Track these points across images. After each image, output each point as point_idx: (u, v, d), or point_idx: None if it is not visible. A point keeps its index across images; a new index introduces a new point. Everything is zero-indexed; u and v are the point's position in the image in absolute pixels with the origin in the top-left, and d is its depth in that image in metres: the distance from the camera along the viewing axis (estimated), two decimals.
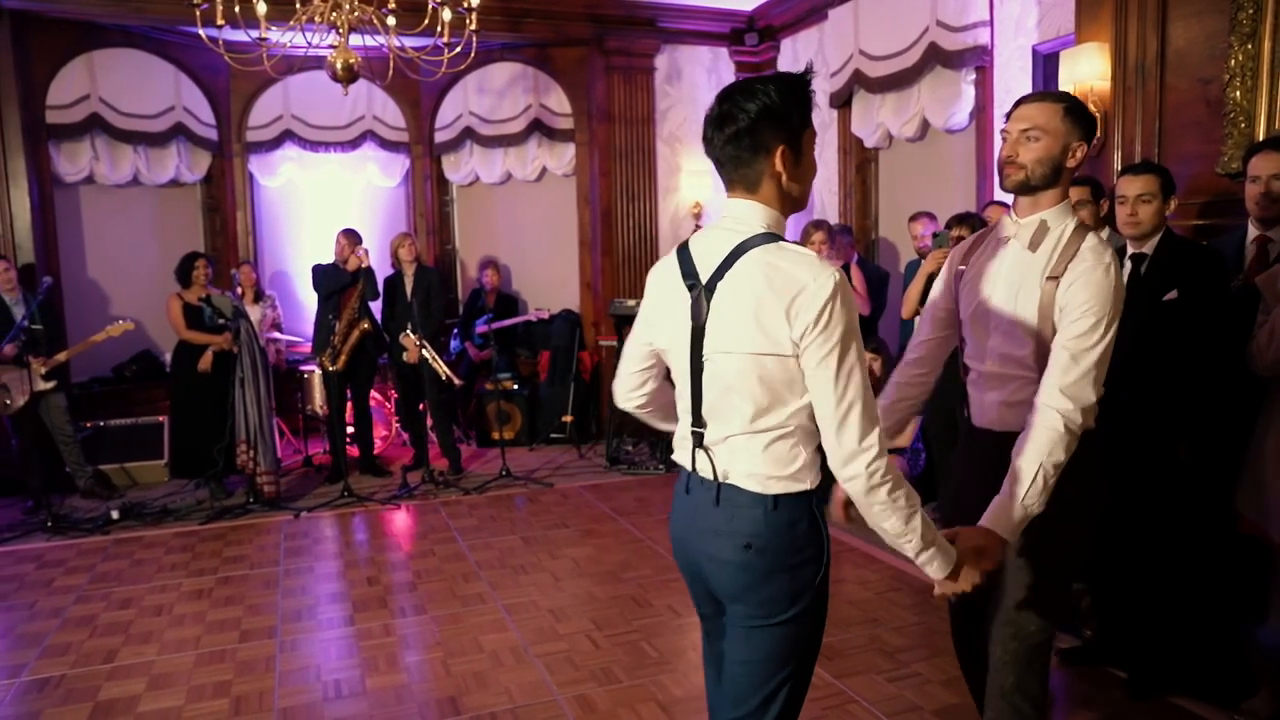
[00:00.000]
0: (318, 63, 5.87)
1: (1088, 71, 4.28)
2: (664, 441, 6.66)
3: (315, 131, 7.74)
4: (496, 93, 7.94)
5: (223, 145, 7.61)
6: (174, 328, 5.99)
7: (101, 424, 6.51)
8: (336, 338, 6.17)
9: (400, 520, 5.58)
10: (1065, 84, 4.49)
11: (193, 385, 5.93)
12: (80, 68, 6.81)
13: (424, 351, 6.11)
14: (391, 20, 4.96)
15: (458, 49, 5.09)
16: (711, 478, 1.78)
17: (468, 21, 5.05)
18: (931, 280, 4.33)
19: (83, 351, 6.03)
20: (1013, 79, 5.29)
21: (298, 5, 4.89)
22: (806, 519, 1.73)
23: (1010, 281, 2.12)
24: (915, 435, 5.21)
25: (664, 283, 1.86)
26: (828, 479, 1.76)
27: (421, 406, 6.62)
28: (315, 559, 4.87)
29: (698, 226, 7.66)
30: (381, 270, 6.63)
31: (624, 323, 6.73)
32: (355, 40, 5.09)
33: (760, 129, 1.66)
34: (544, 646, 3.68)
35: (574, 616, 3.98)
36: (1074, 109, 2.06)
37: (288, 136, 7.70)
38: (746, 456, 1.73)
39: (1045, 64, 5.03)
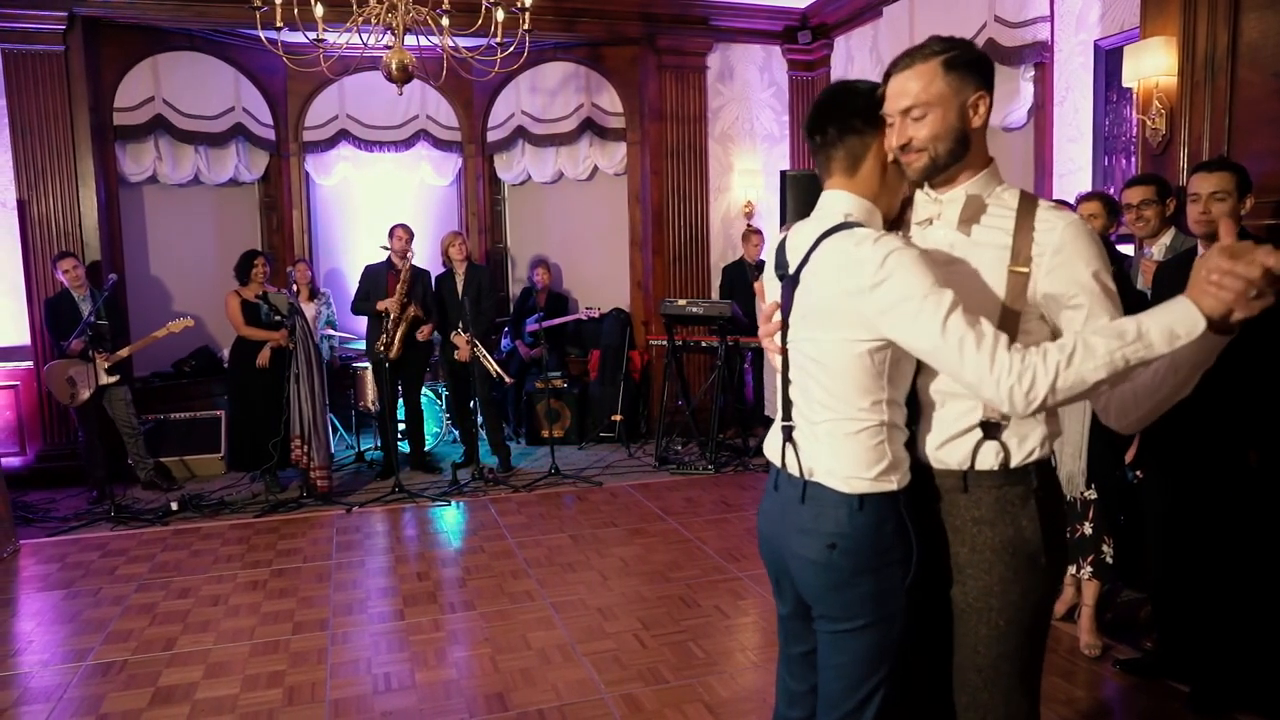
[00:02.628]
0: (373, 63, 5.95)
1: (1153, 67, 4.16)
2: (713, 442, 6.63)
3: (370, 131, 7.85)
4: (549, 92, 7.98)
5: (280, 145, 7.75)
6: (232, 324, 6.11)
7: (162, 418, 6.68)
8: (387, 324, 6.22)
9: (450, 517, 5.63)
10: (1130, 80, 4.38)
11: (250, 381, 6.05)
12: (145, 71, 6.99)
13: (475, 350, 6.16)
14: (445, 21, 5.00)
15: (511, 49, 5.12)
16: (798, 474, 1.74)
17: (521, 21, 5.08)
18: None
19: (145, 347, 6.18)
20: (1073, 75, 5.17)
21: (354, 7, 4.95)
22: (893, 520, 1.66)
23: (945, 270, 1.68)
24: None
25: (769, 278, 1.87)
26: (917, 477, 1.72)
27: (472, 404, 6.68)
28: (366, 553, 4.94)
29: (749, 226, 7.61)
30: (433, 269, 6.69)
31: (674, 322, 6.72)
32: (410, 41, 5.14)
33: (878, 105, 1.69)
34: (591, 645, 3.68)
35: (622, 616, 3.98)
36: (953, 60, 1.64)
37: (343, 136, 7.82)
38: (830, 452, 1.69)
39: (1108, 59, 4.91)
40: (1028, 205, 1.66)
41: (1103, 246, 1.67)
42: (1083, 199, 4.16)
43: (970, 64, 1.66)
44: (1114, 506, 3.45)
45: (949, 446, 1.70)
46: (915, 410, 1.73)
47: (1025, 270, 1.62)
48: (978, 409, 1.66)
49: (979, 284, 1.66)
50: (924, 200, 1.76)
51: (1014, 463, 1.67)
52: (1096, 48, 4.98)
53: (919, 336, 1.54)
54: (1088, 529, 3.45)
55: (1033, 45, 5.33)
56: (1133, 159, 4.72)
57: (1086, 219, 3.98)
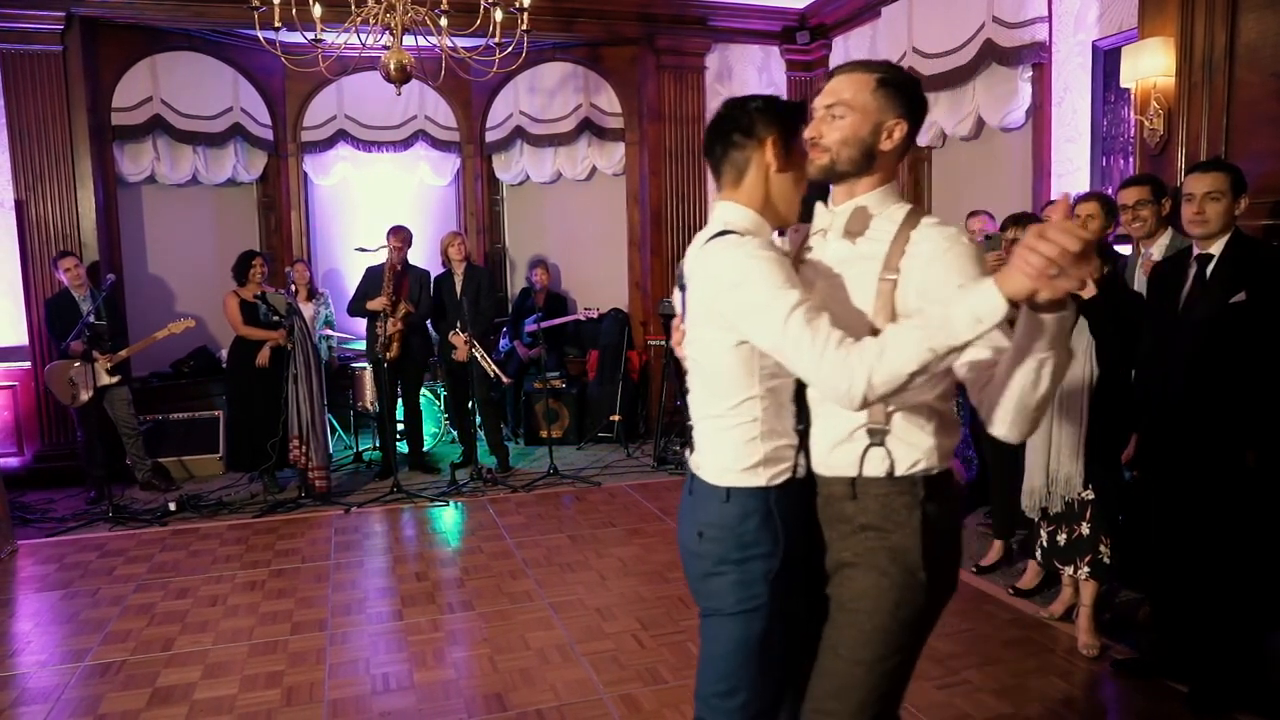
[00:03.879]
0: (371, 64, 5.94)
1: (1151, 67, 4.17)
2: None
3: (368, 131, 7.85)
4: (547, 92, 7.98)
5: (278, 145, 7.75)
6: (231, 324, 6.11)
7: (160, 418, 6.67)
8: (379, 326, 6.20)
9: (449, 517, 5.63)
10: (1128, 81, 4.39)
11: (248, 381, 6.05)
12: (144, 71, 6.98)
13: (473, 350, 6.16)
14: (444, 21, 5.00)
15: (509, 49, 5.12)
16: (690, 469, 1.86)
17: (520, 22, 5.07)
18: None
19: (145, 347, 6.18)
20: (1072, 76, 5.17)
21: (353, 7, 4.95)
22: (759, 515, 1.71)
23: (829, 281, 1.75)
24: (965, 440, 5.11)
25: (678, 290, 1.95)
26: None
27: (470, 404, 6.67)
28: (365, 554, 4.94)
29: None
30: (432, 269, 6.69)
31: (672, 322, 6.70)
32: (408, 41, 5.14)
33: (755, 118, 1.77)
34: (590, 645, 3.68)
35: (620, 616, 3.98)
36: (890, 80, 1.71)
37: (341, 136, 7.82)
38: (708, 447, 1.79)
39: (1106, 60, 4.91)
40: (911, 220, 1.70)
41: (983, 263, 1.68)
42: (1080, 199, 4.16)
43: (901, 90, 1.72)
44: (1112, 507, 3.45)
45: (838, 452, 1.73)
46: (809, 417, 1.77)
47: (893, 278, 1.66)
48: (863, 413, 1.66)
49: (857, 293, 1.70)
50: (821, 211, 1.83)
51: (899, 471, 1.69)
52: (1095, 48, 4.99)
53: (764, 335, 1.61)
54: (1085, 529, 3.46)
55: (1031, 46, 5.33)
56: (1131, 159, 4.72)
57: (1084, 219, 4.00)
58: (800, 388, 1.75)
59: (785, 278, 1.61)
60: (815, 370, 1.55)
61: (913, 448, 1.69)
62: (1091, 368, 3.36)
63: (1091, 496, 3.43)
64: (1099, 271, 3.51)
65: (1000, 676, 3.33)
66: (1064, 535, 3.53)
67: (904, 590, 1.68)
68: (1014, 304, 1.40)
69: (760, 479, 1.72)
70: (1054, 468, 3.45)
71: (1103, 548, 3.45)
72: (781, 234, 1.90)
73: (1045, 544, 3.63)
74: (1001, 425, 1.60)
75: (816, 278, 1.77)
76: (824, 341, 1.53)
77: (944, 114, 6.21)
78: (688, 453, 1.88)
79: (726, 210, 1.81)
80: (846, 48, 7.54)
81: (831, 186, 1.80)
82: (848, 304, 1.70)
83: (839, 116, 1.71)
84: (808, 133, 1.76)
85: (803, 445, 1.76)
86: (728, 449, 1.74)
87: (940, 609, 1.77)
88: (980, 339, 1.44)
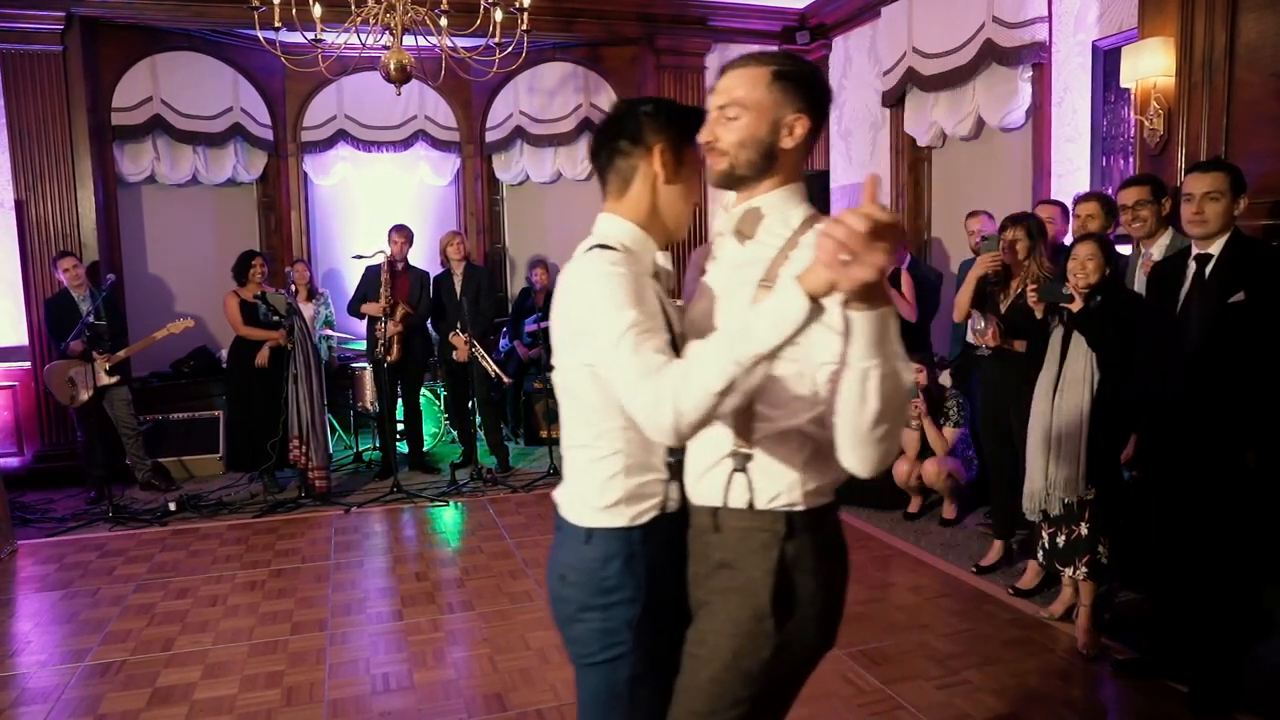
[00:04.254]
0: (371, 64, 5.94)
1: (1151, 67, 4.17)
2: None
3: (368, 131, 7.85)
4: (547, 92, 7.98)
5: (278, 145, 7.75)
6: (231, 324, 6.11)
7: (160, 418, 6.67)
8: (379, 328, 6.20)
9: (448, 517, 5.63)
10: (1128, 81, 4.39)
11: (248, 381, 6.04)
12: (144, 71, 6.98)
13: (473, 350, 6.15)
14: (444, 21, 5.00)
15: (509, 49, 5.12)
16: (555, 504, 1.71)
17: (520, 22, 5.08)
18: (983, 284, 4.27)
19: (144, 347, 6.17)
20: (1071, 76, 5.17)
21: (353, 7, 4.95)
22: (621, 557, 1.57)
23: (720, 286, 1.61)
24: (965, 440, 5.12)
25: None
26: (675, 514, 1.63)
27: (470, 404, 6.67)
28: (365, 554, 4.93)
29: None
30: (431, 269, 6.69)
31: None
32: (408, 41, 5.14)
33: (644, 125, 1.62)
34: None
35: None
36: (786, 73, 1.54)
37: (341, 136, 7.82)
38: (571, 481, 1.66)
39: (1106, 60, 4.92)
40: (806, 226, 1.55)
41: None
42: (1081, 199, 4.17)
43: (801, 82, 1.55)
44: (1112, 507, 3.45)
45: (706, 479, 1.57)
46: (684, 445, 1.57)
47: (770, 285, 1.50)
48: (728, 436, 1.52)
49: (738, 303, 1.54)
50: (720, 214, 1.67)
51: (759, 504, 1.52)
52: (1095, 48, 4.99)
53: (598, 358, 1.49)
54: (1084, 529, 3.46)
55: (1031, 46, 5.33)
56: (1131, 159, 4.72)
57: (1085, 220, 4.01)
58: None
59: (629, 295, 1.46)
60: (630, 400, 1.41)
61: (775, 478, 1.52)
62: (1092, 371, 3.36)
63: (1091, 496, 3.43)
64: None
65: (1000, 676, 3.33)
66: (1064, 536, 3.53)
67: (746, 639, 1.51)
68: (818, 301, 1.26)
69: (622, 519, 1.58)
70: (1053, 470, 3.45)
71: (1101, 548, 3.45)
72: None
73: (1046, 545, 3.63)
74: (843, 453, 1.41)
75: (706, 292, 1.64)
76: (643, 367, 1.39)
77: (944, 114, 6.21)
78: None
79: (606, 223, 1.65)
80: (846, 48, 7.54)
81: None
82: (728, 315, 1.56)
83: (733, 117, 1.55)
84: (702, 136, 1.61)
85: (675, 476, 1.61)
86: (590, 484, 1.60)
87: (804, 665, 1.58)
88: (789, 342, 1.29)
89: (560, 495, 1.69)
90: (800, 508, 1.53)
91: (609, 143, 1.65)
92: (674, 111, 1.66)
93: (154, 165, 7.20)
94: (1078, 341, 3.41)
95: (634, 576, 1.57)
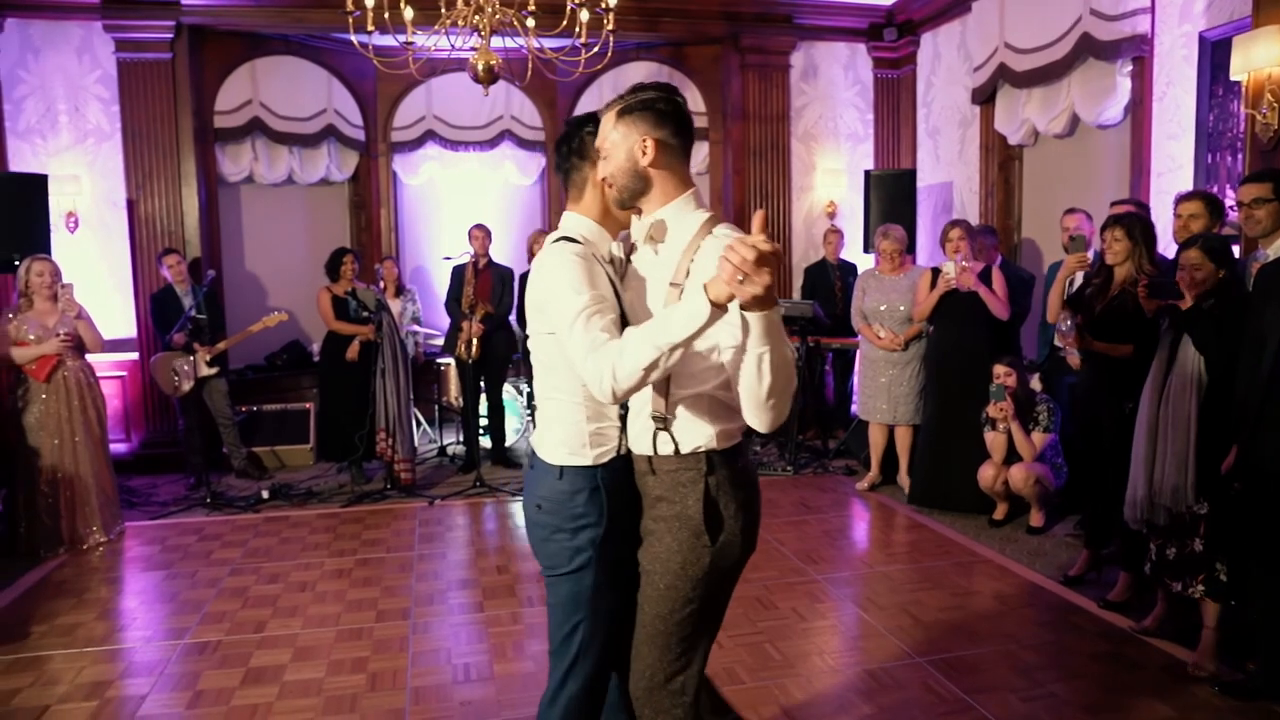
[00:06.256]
0: (459, 65, 6.06)
1: (1265, 58, 3.97)
2: (793, 443, 6.58)
3: (455, 131, 8.00)
4: None
5: (369, 145, 7.97)
6: (324, 319, 6.30)
7: (255, 409, 6.93)
8: (464, 325, 6.30)
9: None
10: (1238, 73, 4.20)
11: (338, 374, 6.23)
12: (244, 75, 7.26)
13: None
14: (531, 22, 5.07)
15: (595, 49, 5.15)
16: (531, 446, 2.12)
17: (605, 22, 5.11)
18: (1072, 285, 4.12)
19: (241, 340, 6.43)
20: (1175, 69, 4.96)
21: (443, 9, 5.05)
22: (587, 490, 1.96)
23: (644, 276, 1.99)
24: (1054, 447, 4.96)
25: None
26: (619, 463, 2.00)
27: None
28: (447, 546, 5.04)
29: (831, 226, 7.51)
30: (518, 267, 6.78)
31: None
32: (496, 42, 5.22)
33: (586, 141, 2.03)
34: None
35: None
36: (627, 109, 1.93)
37: (429, 136, 7.99)
38: (544, 428, 2.05)
39: (1214, 52, 4.70)
40: (705, 229, 1.90)
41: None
42: (1183, 198, 3.99)
43: (640, 110, 1.92)
44: (1228, 522, 3.24)
45: (638, 436, 1.98)
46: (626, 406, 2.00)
47: (679, 285, 1.87)
48: (648, 405, 1.93)
49: (654, 297, 1.95)
50: (635, 221, 2.04)
51: (684, 449, 1.93)
52: (1202, 39, 4.77)
53: (559, 329, 1.87)
54: (1198, 545, 3.28)
55: (1131, 39, 5.13)
56: (1240, 156, 4.51)
57: (1186, 219, 3.84)
58: None
59: (585, 280, 1.85)
60: (581, 366, 1.80)
61: (693, 430, 1.92)
62: (1201, 376, 3.21)
63: (1205, 511, 3.26)
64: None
65: (1088, 691, 3.23)
66: (1173, 550, 3.37)
67: (689, 552, 1.93)
68: (720, 306, 1.61)
69: (587, 458, 1.97)
70: (1159, 479, 3.29)
71: (1219, 565, 3.26)
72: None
73: (1154, 557, 3.46)
74: (747, 416, 1.83)
75: (631, 281, 2.02)
76: (591, 342, 1.78)
77: (1036, 111, 6.03)
78: (529, 432, 2.06)
79: (567, 220, 2.07)
80: (935, 44, 7.38)
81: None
82: (643, 306, 1.96)
83: (605, 157, 1.95)
84: (599, 174, 1.98)
85: (624, 428, 2.00)
86: (560, 430, 1.99)
87: (737, 565, 2.00)
88: (698, 335, 1.65)
89: (535, 439, 2.09)
90: (716, 448, 1.94)
91: (564, 158, 2.08)
92: None
93: (252, 165, 7.47)
94: (1186, 344, 3.26)
95: (597, 505, 1.97)
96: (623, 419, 2.00)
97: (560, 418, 1.99)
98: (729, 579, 2.02)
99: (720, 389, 1.92)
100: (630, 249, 2.08)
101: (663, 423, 1.93)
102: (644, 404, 1.94)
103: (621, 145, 1.92)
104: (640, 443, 1.98)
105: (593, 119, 2.04)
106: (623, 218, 2.06)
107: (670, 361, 1.70)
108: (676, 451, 1.93)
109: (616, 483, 1.99)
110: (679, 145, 1.96)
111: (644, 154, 1.91)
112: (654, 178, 1.93)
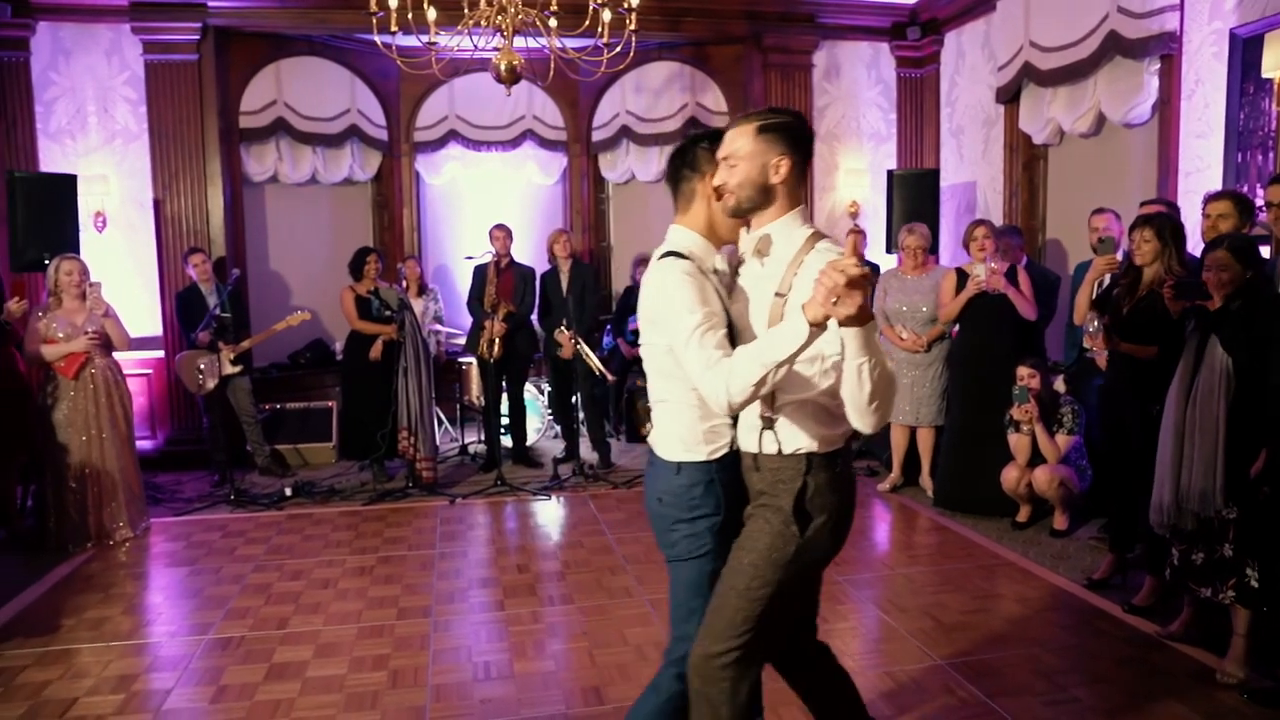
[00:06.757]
0: (482, 65, 6.07)
1: None
2: None
3: (478, 131, 8.04)
4: (653, 92, 8.02)
5: (392, 145, 8.01)
6: (347, 318, 6.35)
7: (278, 407, 6.99)
8: (486, 324, 6.33)
9: (550, 511, 5.72)
10: (1270, 70, 4.14)
11: (362, 373, 6.27)
12: (269, 76, 7.33)
13: (578, 347, 6.23)
14: (553, 22, 5.08)
15: (617, 49, 5.16)
16: (650, 446, 2.25)
17: (627, 21, 5.12)
18: (1100, 286, 4.07)
19: (265, 339, 6.48)
20: (1204, 67, 4.90)
21: (465, 10, 5.08)
22: (703, 483, 2.11)
23: (749, 291, 2.12)
24: (1079, 449, 4.91)
25: None
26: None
27: (574, 400, 6.75)
28: (468, 544, 5.06)
29: (854, 225, 7.48)
30: (538, 266, 6.80)
31: None
32: (518, 42, 5.24)
33: (700, 155, 2.14)
34: None
35: None
36: (769, 126, 2.02)
37: (452, 136, 8.03)
38: (661, 429, 2.20)
39: (1245, 49, 4.63)
40: (808, 244, 2.02)
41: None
42: (1212, 198, 3.94)
43: (780, 131, 2.03)
44: (1259, 527, 3.18)
45: (745, 433, 2.12)
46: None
47: (783, 295, 1.99)
48: (757, 405, 2.03)
49: (758, 307, 2.07)
50: (743, 235, 2.18)
51: (786, 450, 2.05)
52: (1232, 36, 4.71)
53: (674, 345, 2.01)
54: (1228, 550, 3.22)
55: (1159, 36, 5.07)
56: (1270, 155, 4.45)
57: (1215, 219, 3.79)
58: None
59: (698, 299, 1.99)
60: (699, 381, 1.96)
61: (798, 433, 2.04)
62: (1229, 378, 3.15)
63: (1234, 516, 3.20)
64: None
65: (1112, 696, 3.19)
66: (1200, 555, 3.32)
67: (777, 537, 2.04)
68: (818, 325, 1.73)
69: (702, 454, 2.12)
70: (1186, 482, 3.24)
71: (1249, 571, 3.19)
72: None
73: (1176, 563, 3.42)
74: (852, 419, 1.94)
75: (738, 294, 2.15)
76: (706, 360, 1.92)
77: (1062, 110, 5.98)
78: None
79: (675, 233, 2.18)
80: (959, 43, 7.33)
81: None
82: (755, 316, 2.08)
83: (734, 165, 2.04)
84: (715, 181, 2.10)
85: (736, 425, 2.14)
86: (675, 429, 2.15)
87: (819, 564, 2.14)
88: (800, 353, 1.78)
89: (653, 439, 2.23)
90: (817, 451, 2.05)
91: (676, 170, 2.19)
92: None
93: (276, 165, 7.54)
94: (1214, 345, 3.22)
95: (713, 496, 2.12)
96: (734, 417, 2.12)
97: (676, 418, 2.14)
98: (809, 577, 2.15)
99: (825, 396, 2.02)
100: (737, 263, 2.19)
101: (768, 423, 2.05)
102: (753, 406, 2.04)
103: (755, 159, 2.02)
104: (747, 440, 2.11)
105: (709, 135, 2.15)
106: (726, 230, 2.17)
107: (777, 377, 1.84)
108: (779, 451, 2.05)
109: (730, 477, 2.13)
110: (803, 168, 2.09)
111: (776, 172, 2.02)
112: (776, 194, 2.05)
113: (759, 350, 1.84)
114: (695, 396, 2.06)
